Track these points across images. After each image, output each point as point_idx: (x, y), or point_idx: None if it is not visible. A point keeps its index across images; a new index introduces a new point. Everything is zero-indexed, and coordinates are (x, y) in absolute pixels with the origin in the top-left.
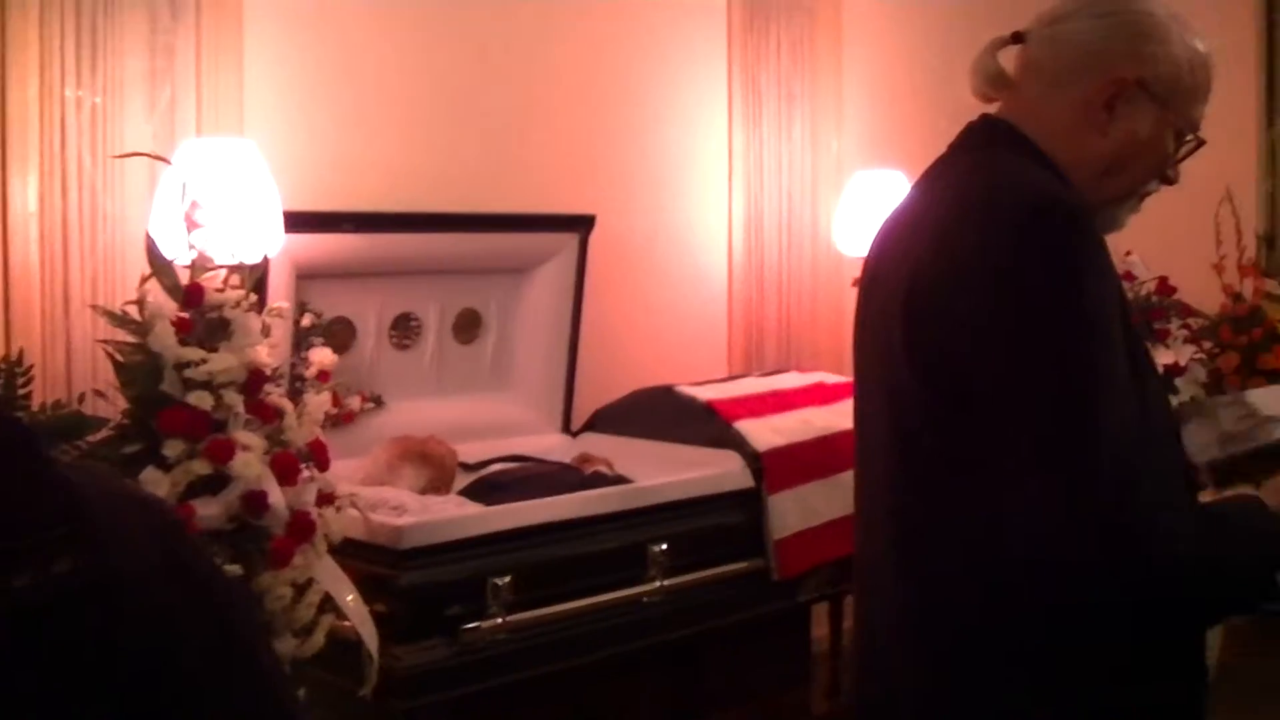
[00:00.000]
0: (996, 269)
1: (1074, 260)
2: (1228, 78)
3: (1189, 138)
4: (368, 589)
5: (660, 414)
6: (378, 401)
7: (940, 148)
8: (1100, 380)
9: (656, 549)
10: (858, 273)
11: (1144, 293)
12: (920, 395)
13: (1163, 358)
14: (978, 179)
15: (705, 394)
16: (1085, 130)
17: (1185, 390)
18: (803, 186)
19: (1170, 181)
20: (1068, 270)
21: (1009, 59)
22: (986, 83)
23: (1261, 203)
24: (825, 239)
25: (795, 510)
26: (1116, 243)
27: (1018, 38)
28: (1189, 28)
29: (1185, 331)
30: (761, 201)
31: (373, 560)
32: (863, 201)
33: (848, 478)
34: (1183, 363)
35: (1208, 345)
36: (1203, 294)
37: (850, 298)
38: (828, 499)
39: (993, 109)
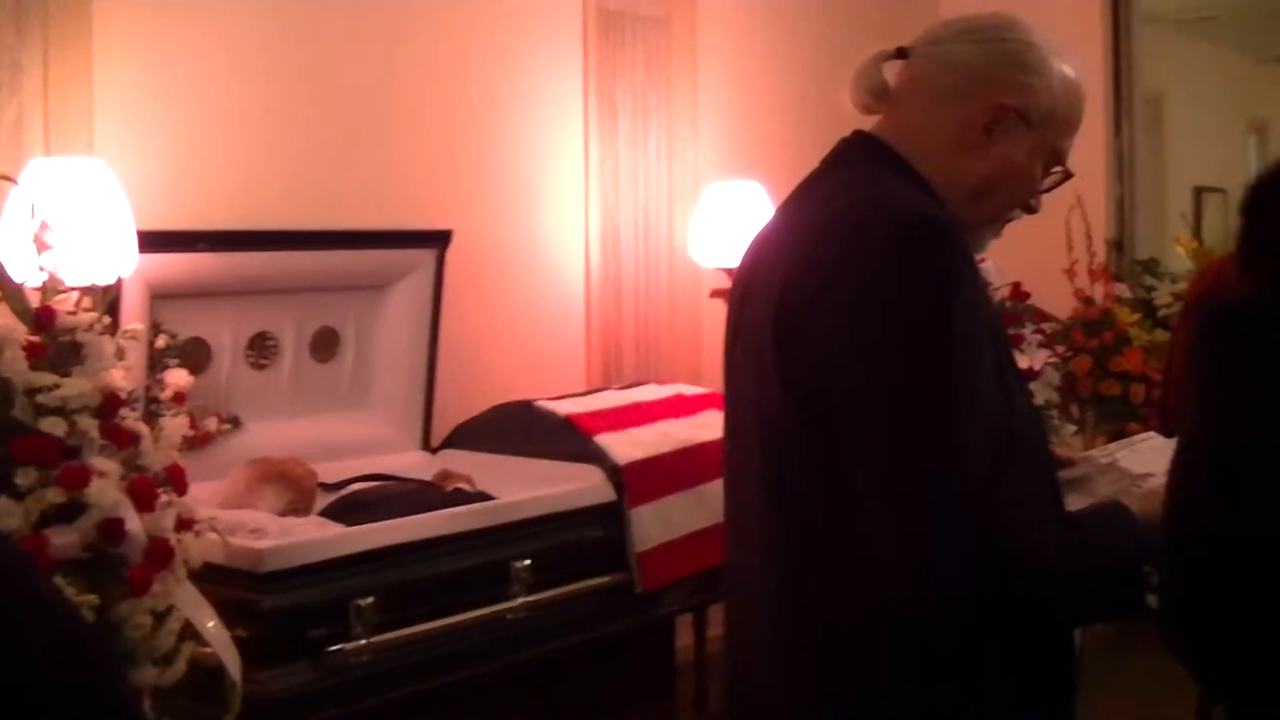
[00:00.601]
0: (864, 285)
1: (942, 277)
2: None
3: (1057, 169)
4: (229, 614)
5: (520, 429)
6: (235, 423)
7: (795, 158)
8: (964, 398)
9: (519, 565)
10: (715, 284)
11: (998, 299)
12: (789, 411)
13: (1018, 362)
14: (849, 194)
15: (564, 408)
16: (962, 151)
17: (1041, 394)
18: (659, 198)
19: (1032, 210)
20: (936, 287)
21: (891, 73)
22: (869, 94)
23: (1110, 209)
24: (682, 250)
25: (657, 523)
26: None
27: (902, 53)
28: (1066, 59)
29: (1039, 336)
30: (618, 214)
31: (233, 584)
32: (719, 212)
33: (709, 489)
34: (1037, 367)
35: (1061, 349)
36: (1055, 299)
37: (707, 308)
38: (689, 511)
39: (868, 123)
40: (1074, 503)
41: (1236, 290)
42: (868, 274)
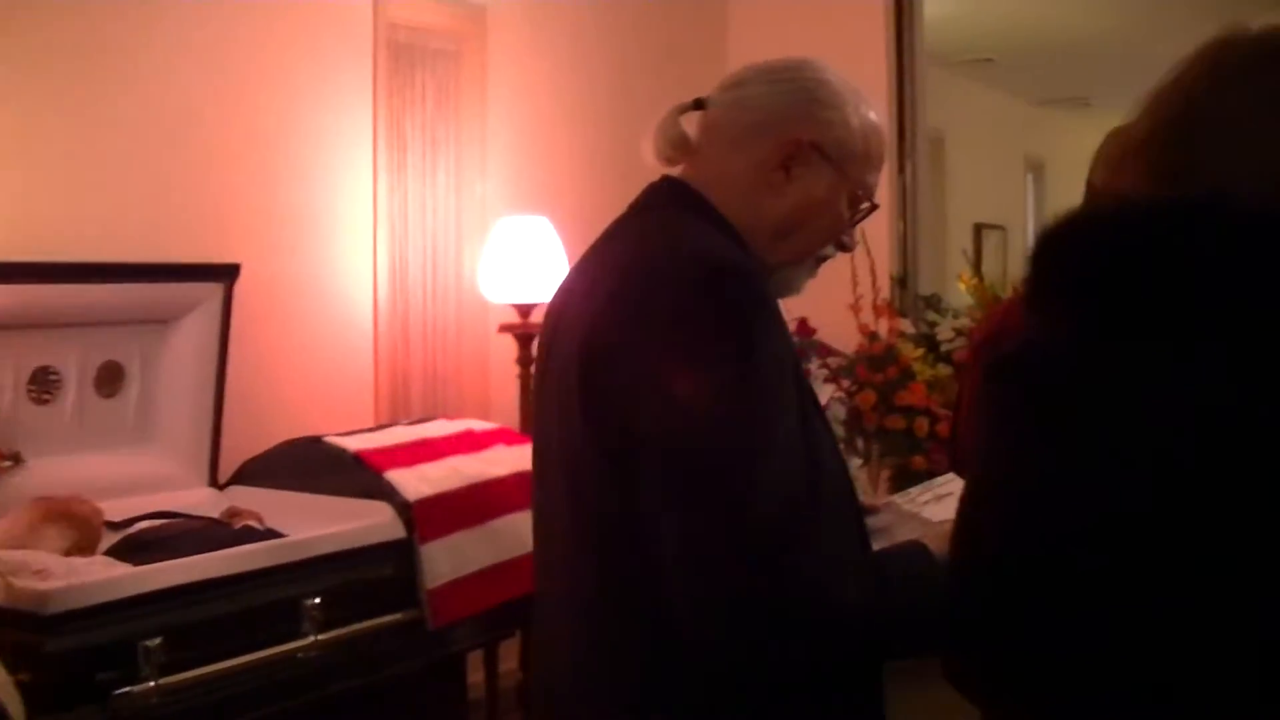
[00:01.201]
0: (665, 331)
1: (743, 324)
2: None
3: (864, 204)
4: (11, 658)
5: (309, 465)
6: (16, 459)
7: (582, 194)
8: (762, 445)
9: (309, 603)
10: (503, 318)
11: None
12: (593, 453)
13: None
14: (654, 240)
15: (353, 444)
16: (762, 191)
17: None
18: (447, 232)
19: (846, 248)
20: (735, 335)
21: (690, 124)
22: (670, 146)
23: (894, 245)
24: (470, 284)
25: (447, 559)
26: None
27: (699, 104)
28: (863, 99)
29: (825, 371)
30: (406, 247)
31: (15, 627)
32: (507, 247)
33: (500, 525)
34: (823, 401)
35: (846, 383)
36: (841, 334)
37: (496, 343)
38: (480, 547)
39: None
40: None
41: (1020, 333)
42: (669, 320)
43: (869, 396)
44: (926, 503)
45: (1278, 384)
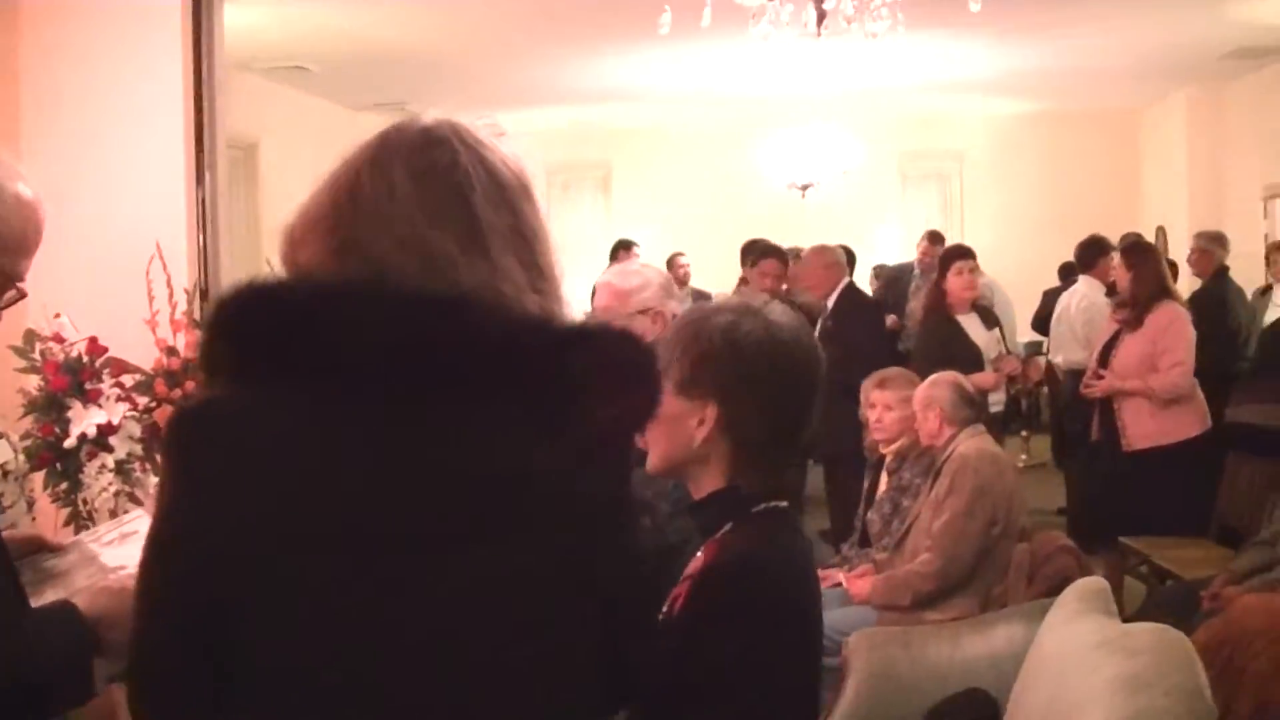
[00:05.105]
0: None
1: None
2: (157, 134)
3: (11, 291)
4: None
5: None
6: None
7: None
8: None
9: None
10: None
11: (75, 354)
12: None
13: (94, 418)
14: None
15: None
16: None
17: (122, 447)
18: None
19: None
20: None
21: None
22: None
23: (194, 257)
24: None
25: None
26: (47, 306)
27: None
28: (20, 178)
29: (118, 390)
30: None
31: None
32: None
33: None
34: (116, 421)
35: (144, 401)
36: (139, 350)
37: None
38: None
39: None
40: (52, 595)
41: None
42: None
43: (165, 413)
44: (111, 542)
45: (403, 448)
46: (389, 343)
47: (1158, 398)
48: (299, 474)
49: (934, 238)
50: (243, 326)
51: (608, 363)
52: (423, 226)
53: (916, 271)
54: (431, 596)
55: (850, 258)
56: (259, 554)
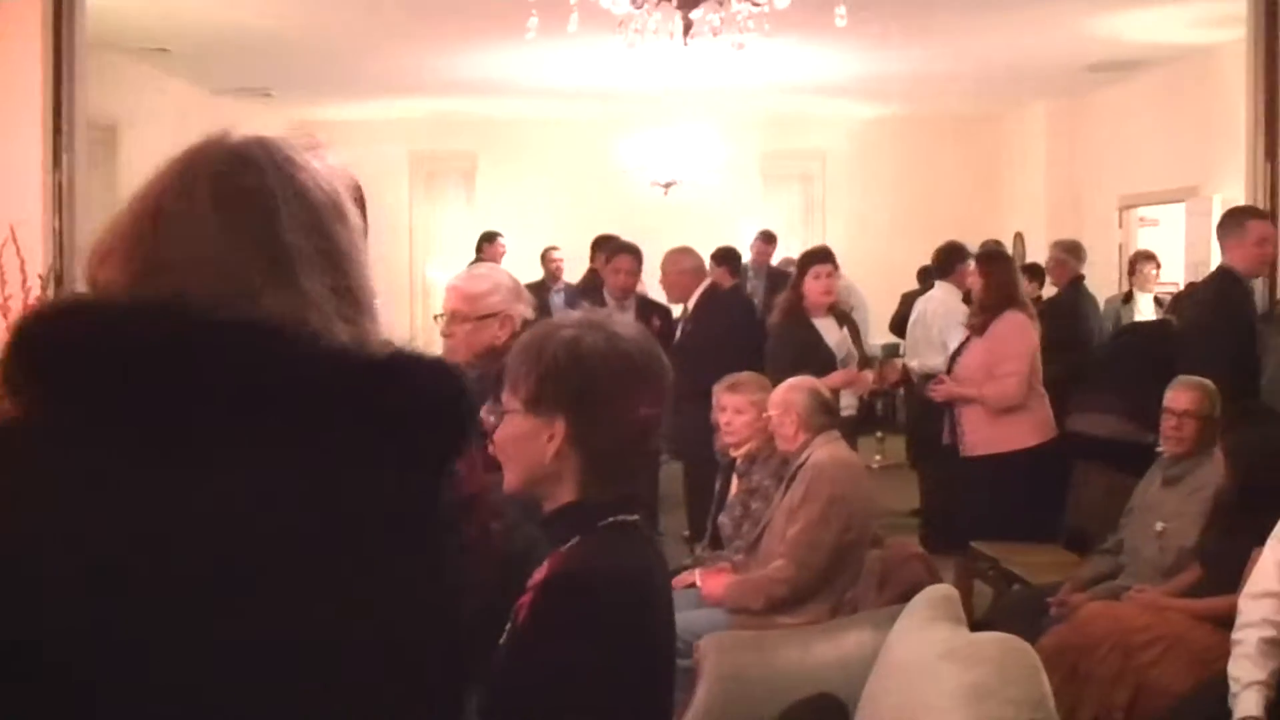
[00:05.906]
0: None
1: None
2: (12, 113)
3: None
4: None
5: None
6: None
7: None
8: None
9: None
10: None
11: None
12: None
13: None
14: None
15: None
16: None
17: None
18: None
19: None
20: None
21: None
22: None
23: (49, 241)
24: None
25: None
26: None
27: None
28: None
29: None
30: None
31: None
32: None
33: None
34: None
35: None
36: None
37: None
38: None
39: None
40: None
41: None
42: None
43: None
44: None
45: (177, 486)
46: (173, 371)
47: (990, 406)
48: (55, 510)
49: (768, 238)
50: (33, 348)
51: (416, 396)
52: (225, 251)
53: (750, 273)
54: (201, 649)
55: (734, 256)
56: (12, 592)
